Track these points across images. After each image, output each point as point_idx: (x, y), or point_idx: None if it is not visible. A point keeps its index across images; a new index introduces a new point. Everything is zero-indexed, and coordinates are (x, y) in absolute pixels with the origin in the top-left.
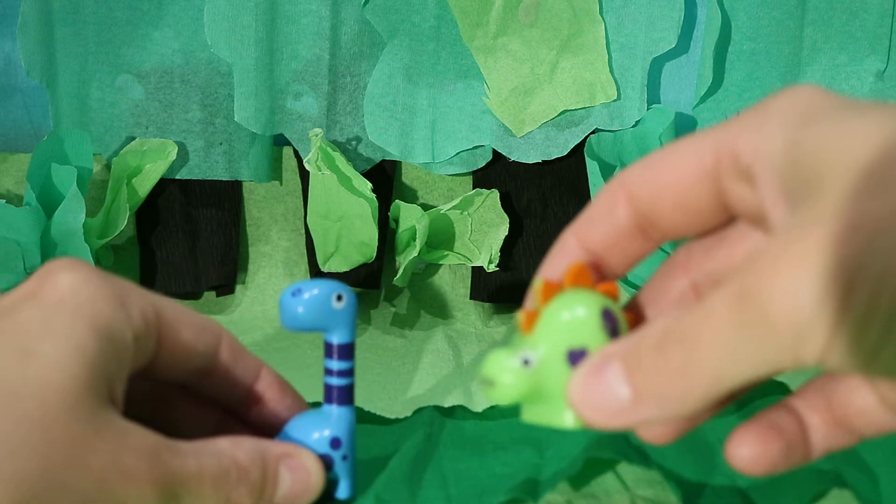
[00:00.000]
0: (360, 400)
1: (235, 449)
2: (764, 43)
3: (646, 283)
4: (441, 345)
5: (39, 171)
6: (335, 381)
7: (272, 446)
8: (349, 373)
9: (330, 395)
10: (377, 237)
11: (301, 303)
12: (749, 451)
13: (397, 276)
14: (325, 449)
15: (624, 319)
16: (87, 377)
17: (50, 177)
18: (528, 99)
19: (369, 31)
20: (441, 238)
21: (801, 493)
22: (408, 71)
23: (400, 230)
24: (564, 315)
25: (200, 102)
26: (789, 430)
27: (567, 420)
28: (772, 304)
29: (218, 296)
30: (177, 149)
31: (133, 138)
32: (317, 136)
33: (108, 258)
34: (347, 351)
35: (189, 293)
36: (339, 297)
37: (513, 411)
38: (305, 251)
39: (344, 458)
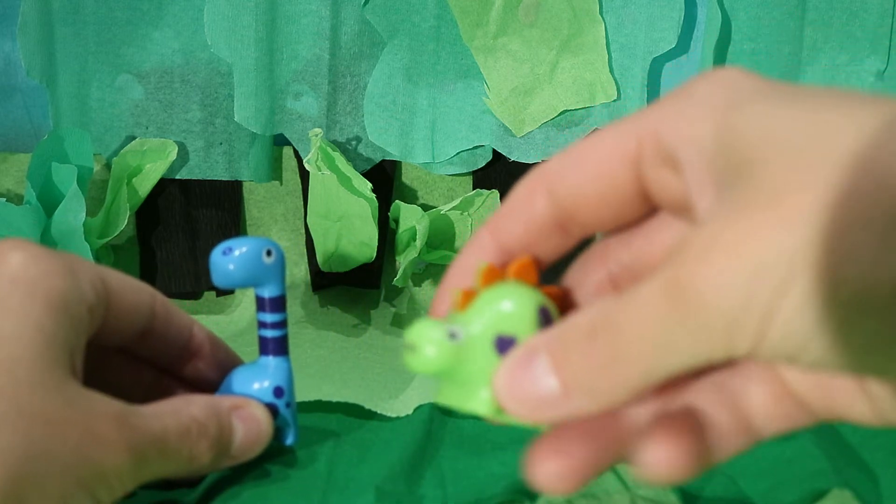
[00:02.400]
0: (361, 399)
1: (190, 406)
2: (764, 43)
3: (565, 274)
4: None
5: (40, 170)
6: (269, 333)
7: (222, 400)
8: (282, 324)
9: (266, 346)
10: (377, 237)
11: (232, 260)
12: (658, 456)
13: (397, 276)
14: (269, 398)
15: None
16: (50, 352)
17: (50, 176)
18: (528, 99)
19: (369, 31)
20: (441, 238)
21: (802, 494)
22: (408, 71)
23: (400, 230)
24: (502, 301)
25: (200, 102)
26: (697, 430)
27: (480, 406)
28: (703, 294)
29: (218, 296)
30: (177, 149)
31: (133, 138)
32: (317, 136)
33: (108, 258)
34: (279, 303)
35: (189, 293)
36: (269, 253)
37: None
38: (305, 251)
39: (287, 405)
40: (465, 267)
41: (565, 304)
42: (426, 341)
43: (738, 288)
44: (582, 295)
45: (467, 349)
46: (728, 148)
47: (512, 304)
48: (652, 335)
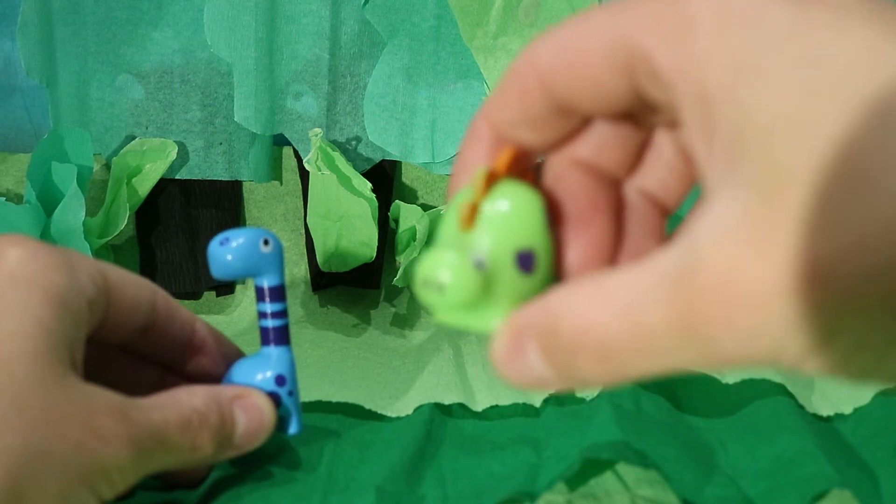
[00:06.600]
0: (361, 399)
1: (192, 397)
2: None
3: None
4: (441, 345)
5: (40, 170)
6: (270, 323)
7: (224, 390)
8: (283, 314)
9: (267, 336)
10: (377, 237)
11: (230, 251)
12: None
13: (397, 276)
14: (271, 387)
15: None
16: (50, 347)
17: (50, 175)
18: None
19: (369, 31)
20: None
21: (802, 494)
22: (408, 71)
23: (400, 230)
24: (511, 213)
25: (200, 102)
26: None
27: (492, 325)
28: (717, 327)
29: (218, 296)
30: (177, 149)
31: (133, 138)
32: (317, 136)
33: (107, 258)
34: (279, 293)
35: (189, 293)
36: (266, 242)
37: (513, 411)
38: (305, 251)
39: (290, 394)
40: (467, 163)
41: (551, 199)
42: (455, 274)
43: (778, 326)
44: (564, 182)
45: (492, 273)
46: (735, 111)
47: (522, 215)
48: (662, 357)
